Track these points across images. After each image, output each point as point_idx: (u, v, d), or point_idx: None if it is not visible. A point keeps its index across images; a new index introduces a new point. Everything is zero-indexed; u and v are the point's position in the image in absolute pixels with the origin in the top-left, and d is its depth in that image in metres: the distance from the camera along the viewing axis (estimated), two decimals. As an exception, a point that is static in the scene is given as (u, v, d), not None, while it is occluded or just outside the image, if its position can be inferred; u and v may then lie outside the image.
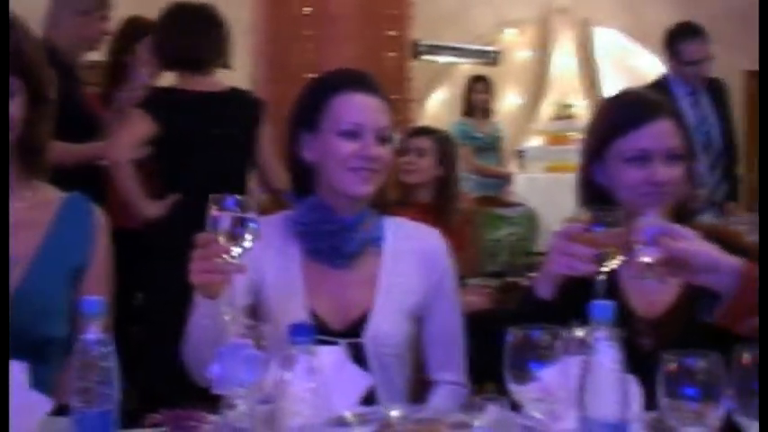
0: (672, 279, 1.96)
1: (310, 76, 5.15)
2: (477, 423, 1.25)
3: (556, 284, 2.07)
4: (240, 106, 4.03)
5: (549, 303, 2.07)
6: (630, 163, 2.23)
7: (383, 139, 2.35)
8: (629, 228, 1.91)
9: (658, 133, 2.23)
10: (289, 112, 2.45)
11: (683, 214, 2.24)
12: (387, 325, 2.33)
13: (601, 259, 1.91)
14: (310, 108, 2.38)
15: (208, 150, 3.85)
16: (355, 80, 2.39)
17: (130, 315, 3.91)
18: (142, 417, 1.84)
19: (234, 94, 4.03)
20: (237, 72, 6.04)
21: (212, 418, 1.75)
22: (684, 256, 1.89)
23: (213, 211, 1.86)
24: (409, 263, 2.39)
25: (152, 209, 3.84)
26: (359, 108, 2.34)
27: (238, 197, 1.87)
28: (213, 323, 1.93)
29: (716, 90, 5.71)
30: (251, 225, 1.87)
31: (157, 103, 3.86)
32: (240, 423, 1.60)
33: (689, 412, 1.45)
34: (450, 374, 2.42)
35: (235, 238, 1.86)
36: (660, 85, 5.41)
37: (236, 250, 1.87)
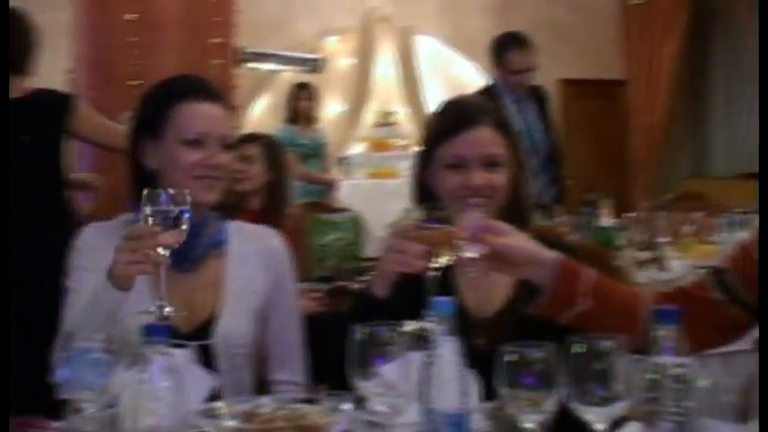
0: (495, 273, 2.04)
1: (134, 83, 5.10)
2: (346, 405, 1.29)
3: (390, 283, 2.13)
4: (46, 107, 3.91)
5: (385, 302, 2.12)
6: (449, 169, 2.31)
7: (226, 147, 2.37)
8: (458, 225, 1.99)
9: (475, 140, 2.30)
10: (131, 118, 2.45)
11: (515, 218, 2.33)
12: (234, 326, 2.35)
13: (432, 256, 1.98)
14: (153, 116, 2.38)
15: (20, 157, 3.73)
16: (198, 88, 2.40)
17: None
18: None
19: (37, 97, 3.90)
20: (58, 77, 5.92)
21: (56, 424, 1.73)
22: (505, 250, 1.98)
23: (145, 205, 1.92)
24: (253, 264, 2.42)
25: None
26: (202, 117, 2.35)
27: (171, 191, 1.94)
28: (107, 314, 2.03)
29: (539, 97, 5.91)
30: (183, 218, 1.94)
31: None
32: (86, 427, 1.59)
33: (527, 400, 1.53)
34: (289, 374, 2.45)
35: (166, 230, 1.94)
36: (488, 92, 5.57)
37: (166, 243, 1.95)
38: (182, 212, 1.96)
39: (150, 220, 1.95)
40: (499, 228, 2.01)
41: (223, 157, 2.36)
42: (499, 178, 2.31)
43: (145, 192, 1.96)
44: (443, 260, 1.99)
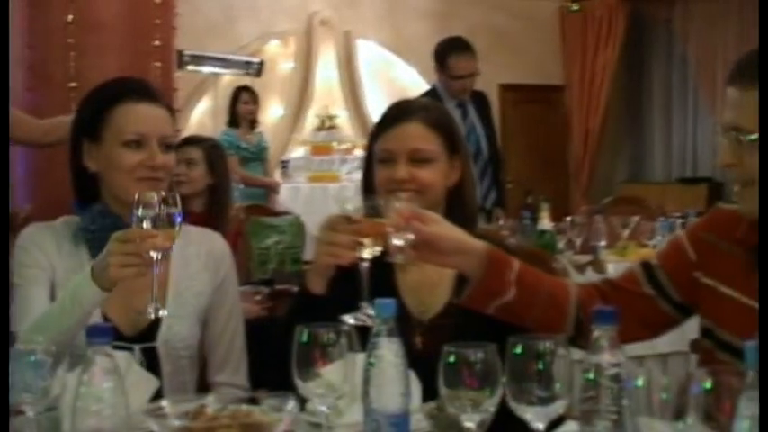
0: (422, 261, 2.07)
1: (72, 85, 5.04)
2: (288, 407, 1.29)
3: (326, 278, 2.14)
4: None
5: (322, 298, 2.14)
6: (381, 163, 2.37)
7: (167, 147, 2.36)
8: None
9: (403, 135, 2.35)
10: (71, 121, 2.44)
11: (459, 220, 2.36)
12: (178, 328, 2.35)
13: (362, 247, 1.99)
14: (92, 118, 2.37)
15: None
16: (137, 90, 2.40)
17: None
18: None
19: None
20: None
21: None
22: (433, 239, 2.00)
23: (138, 208, 1.93)
24: (197, 266, 2.42)
25: None
26: (141, 118, 2.35)
27: (163, 194, 1.94)
28: (87, 313, 2.08)
29: (480, 102, 5.95)
30: (175, 220, 1.94)
31: None
32: (26, 430, 1.58)
33: (467, 400, 1.54)
34: (230, 376, 2.45)
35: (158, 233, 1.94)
36: (429, 96, 5.59)
37: (161, 247, 1.96)
38: (173, 215, 1.95)
39: (144, 224, 1.95)
40: (427, 216, 2.03)
41: (164, 158, 2.36)
42: (426, 174, 2.34)
43: (137, 195, 1.96)
44: (372, 251, 1.99)
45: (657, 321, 2.16)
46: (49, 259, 2.34)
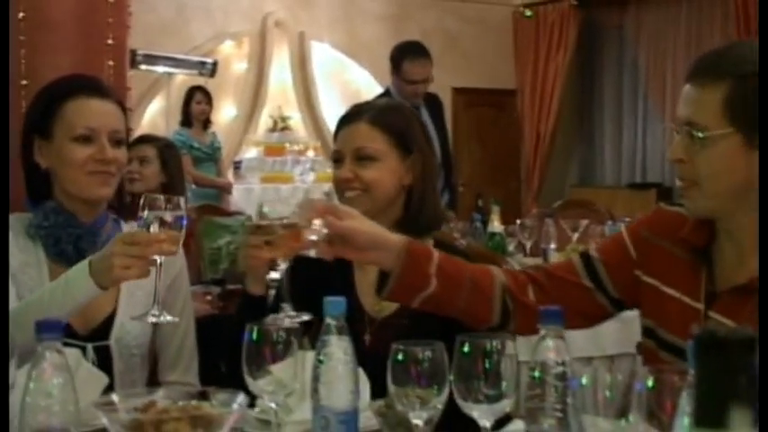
0: (339, 256, 2.04)
1: (24, 83, 5.00)
2: (237, 401, 1.30)
3: (261, 280, 2.13)
4: None
5: (263, 297, 2.13)
6: (334, 164, 2.44)
7: (118, 142, 2.36)
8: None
9: (348, 135, 2.40)
10: (22, 118, 2.43)
11: (413, 222, 2.38)
12: (130, 327, 2.35)
13: (274, 248, 1.98)
14: (42, 115, 2.37)
15: None
16: (86, 86, 2.40)
17: None
18: None
19: None
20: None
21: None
22: (347, 233, 1.98)
23: (144, 210, 1.92)
24: None
25: None
26: (91, 113, 2.35)
27: (169, 197, 1.93)
28: (79, 305, 2.10)
29: (433, 105, 5.98)
30: (180, 224, 1.94)
31: None
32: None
33: (416, 397, 1.56)
34: (181, 375, 2.46)
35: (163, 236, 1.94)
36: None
37: (167, 251, 1.96)
38: (179, 218, 1.95)
39: (152, 228, 1.94)
40: (342, 211, 2.02)
41: (114, 152, 2.36)
42: (370, 173, 2.36)
43: (143, 197, 1.95)
44: (285, 251, 1.99)
45: (594, 313, 2.16)
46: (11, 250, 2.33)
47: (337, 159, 2.41)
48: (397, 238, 2.05)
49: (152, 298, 2.38)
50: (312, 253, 1.96)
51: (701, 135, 1.90)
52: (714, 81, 1.90)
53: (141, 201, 1.94)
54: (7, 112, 1.94)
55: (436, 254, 2.07)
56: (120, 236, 2.06)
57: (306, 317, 1.90)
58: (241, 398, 1.33)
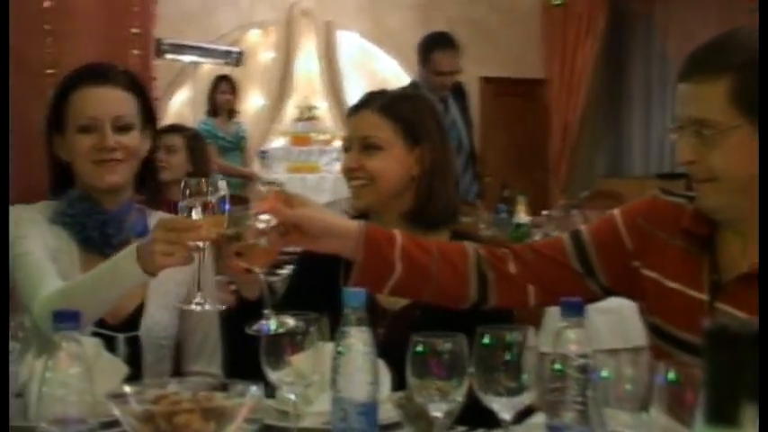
0: (292, 245, 2.02)
1: (50, 71, 5.01)
2: (251, 392, 1.30)
3: (253, 284, 2.06)
4: None
5: (257, 302, 2.08)
6: (344, 153, 2.45)
7: (123, 127, 2.35)
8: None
9: (355, 125, 2.41)
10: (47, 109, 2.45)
11: (422, 214, 2.37)
12: (159, 317, 2.35)
13: (247, 258, 1.90)
14: (56, 109, 2.39)
15: None
16: (91, 74, 2.40)
17: None
18: None
19: None
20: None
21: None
22: (298, 221, 1.92)
23: (185, 196, 1.87)
24: None
25: None
26: (93, 101, 2.35)
27: (211, 180, 1.87)
28: (125, 290, 2.12)
29: (460, 95, 5.94)
30: (223, 208, 1.86)
31: None
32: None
33: (435, 390, 1.55)
34: (205, 365, 2.45)
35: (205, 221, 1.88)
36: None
37: (207, 238, 1.90)
38: (221, 202, 1.87)
39: (194, 213, 1.87)
40: (294, 199, 1.95)
41: (117, 138, 2.34)
42: (375, 162, 2.35)
43: (183, 182, 1.89)
44: (260, 262, 1.91)
45: (581, 297, 2.11)
46: (42, 235, 2.33)
47: (346, 148, 2.41)
48: (355, 225, 2.00)
49: (185, 288, 2.38)
50: (261, 242, 1.87)
51: (711, 132, 1.85)
52: (714, 75, 1.85)
53: (182, 185, 1.89)
54: (7, 112, 1.94)
55: (399, 237, 2.02)
56: (160, 221, 2.01)
57: (291, 322, 1.76)
58: (254, 388, 1.32)
